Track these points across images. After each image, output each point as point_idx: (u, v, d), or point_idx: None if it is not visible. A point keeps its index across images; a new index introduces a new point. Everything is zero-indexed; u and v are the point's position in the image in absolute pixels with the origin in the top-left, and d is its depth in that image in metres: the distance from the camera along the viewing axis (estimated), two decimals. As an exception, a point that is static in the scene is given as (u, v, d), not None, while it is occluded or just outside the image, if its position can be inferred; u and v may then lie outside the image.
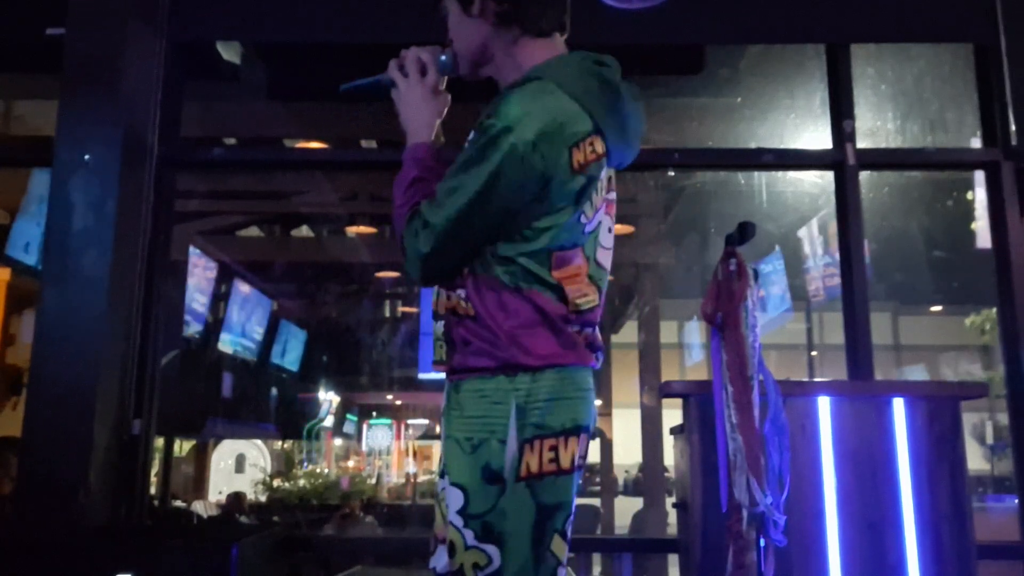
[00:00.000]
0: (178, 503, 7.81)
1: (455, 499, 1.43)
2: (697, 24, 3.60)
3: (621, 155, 1.59)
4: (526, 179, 1.41)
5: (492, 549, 1.42)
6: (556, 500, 1.44)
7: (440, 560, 1.52)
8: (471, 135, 1.51)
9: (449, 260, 1.47)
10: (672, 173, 5.82)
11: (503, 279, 1.46)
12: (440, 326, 1.52)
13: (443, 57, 1.64)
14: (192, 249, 6.48)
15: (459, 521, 1.42)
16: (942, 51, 3.99)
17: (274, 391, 10.46)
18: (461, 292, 1.49)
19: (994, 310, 3.94)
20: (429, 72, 1.61)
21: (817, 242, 5.52)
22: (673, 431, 2.76)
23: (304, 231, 8.49)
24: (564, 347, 1.47)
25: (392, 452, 15.89)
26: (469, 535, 1.42)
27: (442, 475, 1.51)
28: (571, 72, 1.49)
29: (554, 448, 1.43)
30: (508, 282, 1.46)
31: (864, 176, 3.50)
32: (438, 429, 2.10)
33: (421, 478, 13.84)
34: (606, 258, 1.59)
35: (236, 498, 7.78)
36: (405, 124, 1.59)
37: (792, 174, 5.16)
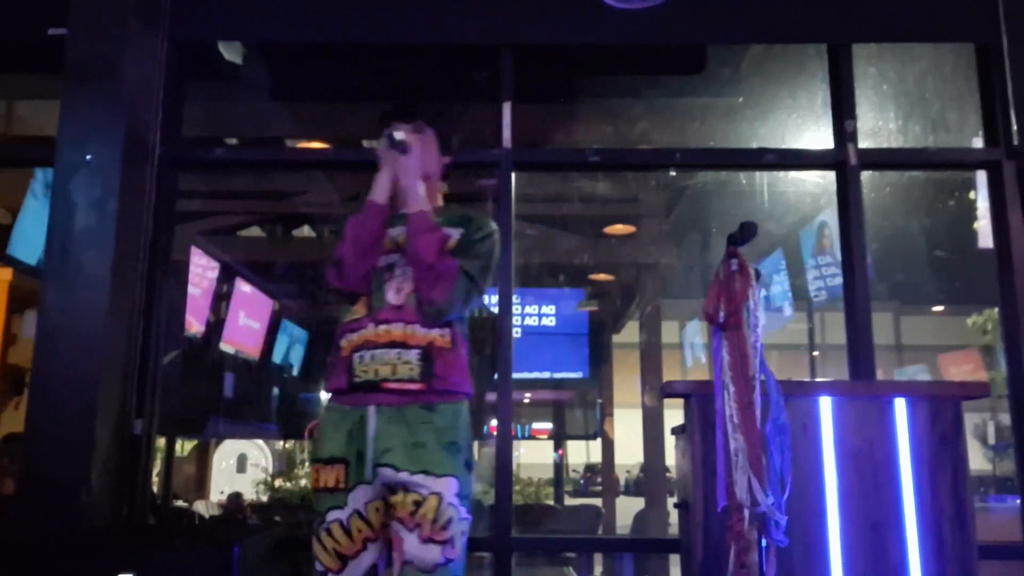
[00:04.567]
0: (180, 503, 7.81)
1: (452, 486, 2.03)
2: (698, 24, 3.60)
3: None
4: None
5: (471, 517, 2.06)
6: None
7: (359, 569, 2.04)
8: (459, 230, 2.21)
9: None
10: (673, 173, 5.82)
11: (465, 329, 2.20)
12: (414, 354, 2.08)
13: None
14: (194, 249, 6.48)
15: (456, 501, 2.03)
16: (944, 51, 3.98)
17: (276, 391, 10.46)
18: (445, 330, 2.12)
19: (996, 310, 3.94)
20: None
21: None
22: (674, 431, 2.76)
23: (306, 231, 8.49)
24: None
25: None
26: (463, 510, 2.04)
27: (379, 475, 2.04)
28: None
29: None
30: (466, 332, 2.21)
31: (866, 176, 3.49)
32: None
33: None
34: None
35: (236, 498, 7.80)
36: (410, 189, 2.18)
37: (794, 174, 5.15)
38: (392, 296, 2.13)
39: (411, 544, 1.97)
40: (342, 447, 2.08)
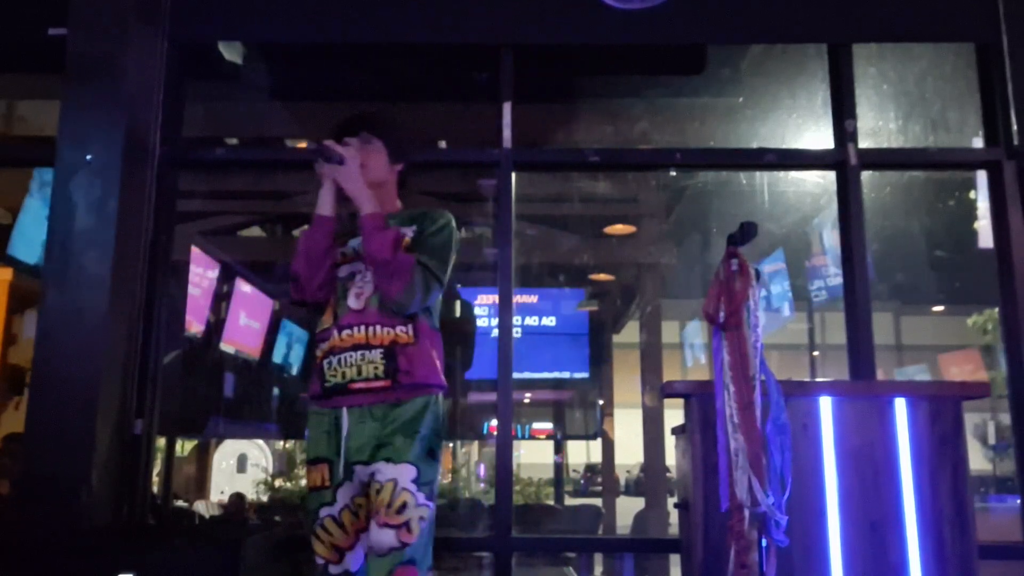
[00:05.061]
0: (180, 503, 7.81)
1: (408, 473, 2.11)
2: (698, 24, 3.60)
3: None
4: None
5: (432, 505, 2.14)
6: None
7: (356, 560, 2.16)
8: (414, 227, 2.29)
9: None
10: (674, 173, 5.83)
11: (432, 321, 2.28)
12: (377, 353, 2.17)
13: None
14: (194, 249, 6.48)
15: (412, 487, 2.11)
16: (944, 51, 3.98)
17: (276, 391, 10.46)
18: (407, 326, 2.20)
19: (996, 310, 3.94)
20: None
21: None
22: (675, 431, 2.76)
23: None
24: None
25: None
26: (420, 496, 2.11)
27: (363, 463, 2.14)
28: None
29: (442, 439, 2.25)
30: (434, 324, 2.29)
31: (866, 176, 3.49)
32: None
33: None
34: None
35: (237, 498, 7.80)
36: (359, 194, 2.25)
37: (794, 174, 5.15)
38: (353, 301, 2.23)
39: (372, 529, 2.09)
40: (324, 448, 2.21)
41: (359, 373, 2.17)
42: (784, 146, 4.50)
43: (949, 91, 4.10)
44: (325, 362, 2.22)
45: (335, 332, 2.22)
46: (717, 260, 2.15)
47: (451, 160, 4.05)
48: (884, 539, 2.29)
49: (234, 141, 5.03)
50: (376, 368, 2.16)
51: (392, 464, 2.11)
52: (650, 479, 7.42)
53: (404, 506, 2.08)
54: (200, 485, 10.64)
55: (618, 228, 7.22)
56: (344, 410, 2.18)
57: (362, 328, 2.20)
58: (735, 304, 2.08)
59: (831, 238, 5.36)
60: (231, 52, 3.93)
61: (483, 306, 7.47)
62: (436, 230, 2.30)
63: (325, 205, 2.30)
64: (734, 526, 2.02)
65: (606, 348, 10.01)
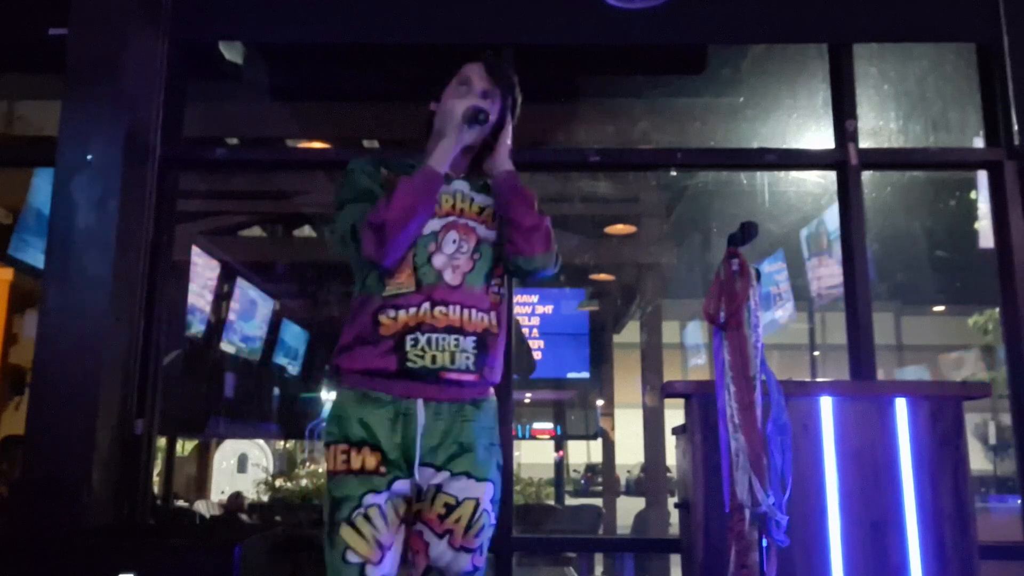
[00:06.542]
0: (180, 503, 7.82)
1: (489, 492, 1.87)
2: (699, 24, 3.60)
3: None
4: None
5: (496, 524, 1.91)
6: None
7: (392, 565, 1.81)
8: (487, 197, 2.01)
9: None
10: (674, 173, 5.82)
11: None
12: (470, 341, 1.86)
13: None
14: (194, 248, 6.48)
15: (490, 507, 1.88)
16: (945, 51, 3.98)
17: (276, 391, 10.47)
18: (493, 315, 1.91)
19: (997, 310, 3.94)
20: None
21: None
22: (675, 431, 2.76)
23: (306, 231, 8.49)
24: None
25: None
26: (493, 516, 1.89)
27: (450, 474, 1.85)
28: None
29: None
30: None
31: (866, 176, 3.49)
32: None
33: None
34: None
35: (237, 497, 7.80)
36: (504, 148, 2.02)
37: (794, 174, 5.15)
38: (448, 274, 1.88)
39: (440, 550, 1.83)
40: (383, 438, 1.82)
41: (452, 361, 1.83)
42: (785, 146, 4.50)
43: (950, 91, 4.10)
44: (409, 337, 1.82)
45: (427, 305, 1.85)
46: (717, 260, 2.15)
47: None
48: (885, 539, 2.29)
49: (234, 141, 5.03)
50: (468, 359, 1.84)
51: (475, 481, 1.85)
52: (650, 479, 7.42)
53: (482, 529, 1.86)
54: (200, 485, 10.64)
55: (618, 228, 7.22)
56: (420, 402, 1.83)
57: (458, 309, 1.86)
58: (735, 304, 2.08)
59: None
60: (231, 52, 3.93)
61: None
62: None
63: (444, 161, 1.90)
64: (735, 526, 2.02)
65: (606, 348, 10.01)
